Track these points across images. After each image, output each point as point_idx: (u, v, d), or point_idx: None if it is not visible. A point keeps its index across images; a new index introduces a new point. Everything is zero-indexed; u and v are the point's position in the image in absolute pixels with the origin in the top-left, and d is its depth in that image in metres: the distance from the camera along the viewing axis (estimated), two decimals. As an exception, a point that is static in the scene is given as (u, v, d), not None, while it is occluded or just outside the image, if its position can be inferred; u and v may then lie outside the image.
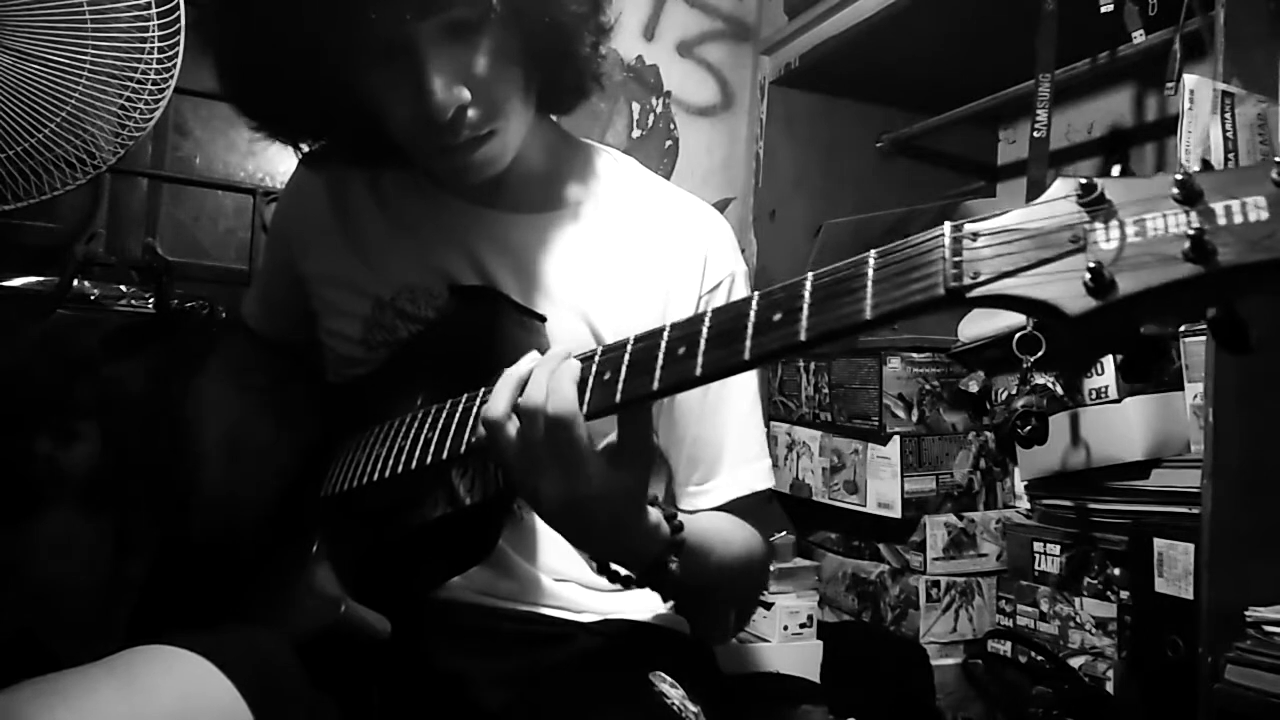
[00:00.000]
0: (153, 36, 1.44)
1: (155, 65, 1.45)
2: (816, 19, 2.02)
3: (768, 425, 1.98)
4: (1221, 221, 0.43)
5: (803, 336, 0.55)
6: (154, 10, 1.43)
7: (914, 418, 1.74)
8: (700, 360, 0.60)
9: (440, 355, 0.90)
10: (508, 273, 0.95)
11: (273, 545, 0.96)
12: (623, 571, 0.78)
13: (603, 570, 0.78)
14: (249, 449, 1.02)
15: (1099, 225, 0.46)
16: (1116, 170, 0.47)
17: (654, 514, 0.75)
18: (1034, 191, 1.59)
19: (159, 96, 1.47)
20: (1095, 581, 1.49)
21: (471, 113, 0.81)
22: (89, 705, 0.69)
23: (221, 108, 1.79)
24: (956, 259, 0.49)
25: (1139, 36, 1.52)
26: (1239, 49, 1.26)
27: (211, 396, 1.08)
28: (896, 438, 1.73)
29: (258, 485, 1.00)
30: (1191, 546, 1.26)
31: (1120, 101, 1.96)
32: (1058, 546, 1.56)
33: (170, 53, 1.45)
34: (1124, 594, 1.43)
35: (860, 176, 2.23)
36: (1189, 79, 1.25)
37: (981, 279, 0.48)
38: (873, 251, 0.53)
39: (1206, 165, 0.45)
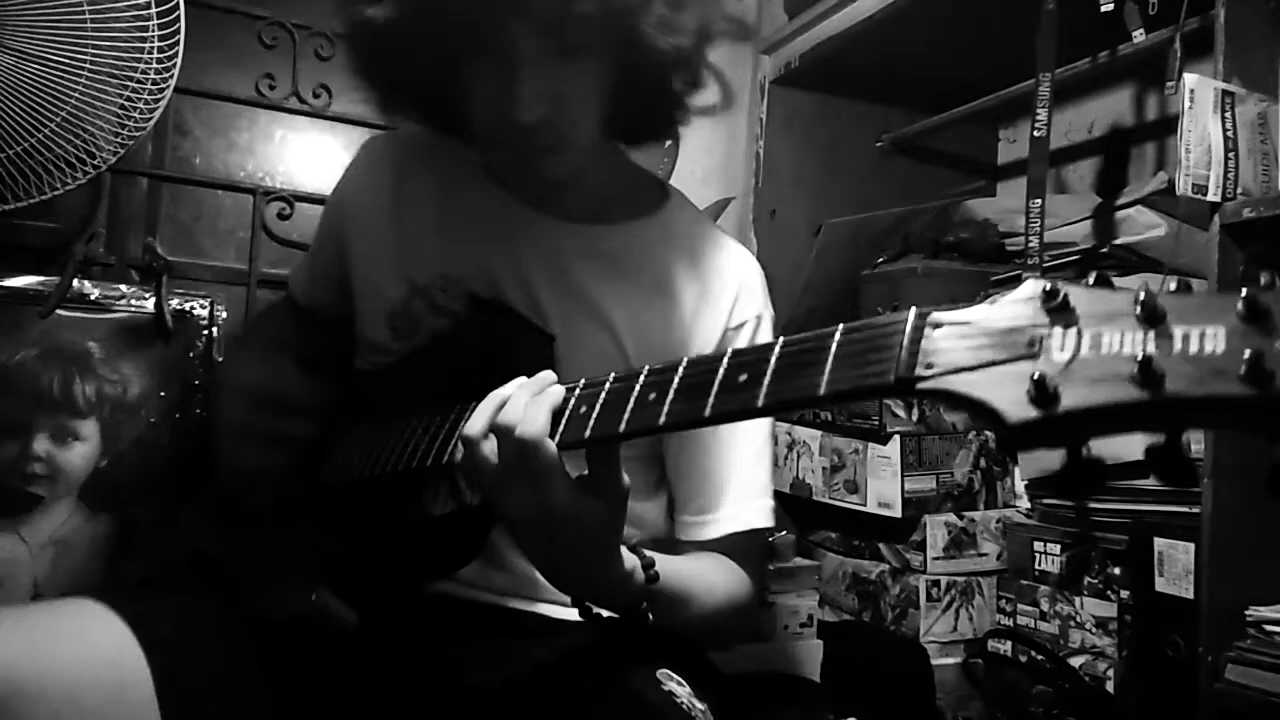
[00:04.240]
0: (153, 36, 1.44)
1: (155, 65, 1.45)
2: (816, 19, 2.01)
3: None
4: (1177, 348, 0.41)
5: (760, 403, 0.56)
6: (154, 10, 1.43)
7: (914, 417, 1.74)
8: (665, 410, 0.61)
9: (447, 364, 0.92)
10: (544, 277, 0.97)
11: (264, 524, 0.98)
12: (597, 610, 0.78)
13: (581, 610, 0.78)
14: (267, 416, 1.02)
15: (1057, 332, 0.44)
16: (1092, 278, 0.46)
17: (630, 559, 0.77)
18: (1034, 191, 1.59)
19: (159, 96, 1.47)
20: (1095, 581, 1.49)
21: (550, 127, 0.85)
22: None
23: (221, 107, 1.80)
24: (914, 347, 0.49)
25: (1139, 36, 1.52)
26: (1239, 49, 1.26)
27: (241, 361, 1.08)
28: (897, 437, 1.72)
29: (268, 456, 1.00)
30: (1191, 546, 1.26)
31: (1120, 101, 1.95)
32: (1058, 546, 1.56)
33: (170, 53, 1.45)
34: (1124, 594, 1.43)
35: (860, 176, 2.22)
36: (1189, 78, 1.25)
37: (932, 372, 0.48)
38: (841, 326, 0.54)
39: (1185, 287, 0.43)
